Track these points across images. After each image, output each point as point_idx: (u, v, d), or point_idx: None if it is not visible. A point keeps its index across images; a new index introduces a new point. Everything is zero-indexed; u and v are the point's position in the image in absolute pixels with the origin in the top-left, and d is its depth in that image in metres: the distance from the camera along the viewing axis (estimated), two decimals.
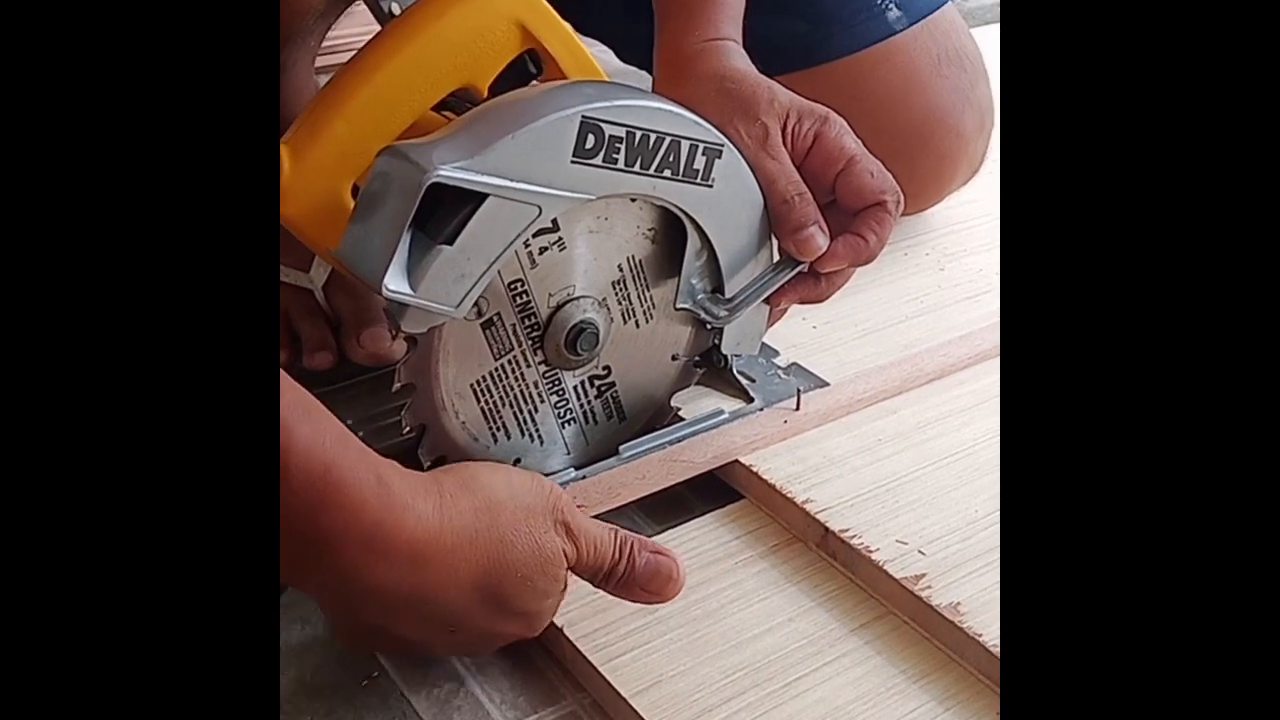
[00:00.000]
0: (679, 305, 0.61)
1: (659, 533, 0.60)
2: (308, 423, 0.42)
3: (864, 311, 0.77)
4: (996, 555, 0.55)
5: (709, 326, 0.63)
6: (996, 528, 0.57)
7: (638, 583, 0.49)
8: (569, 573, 0.49)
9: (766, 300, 0.62)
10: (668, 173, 0.56)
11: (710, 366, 0.66)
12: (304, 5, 0.54)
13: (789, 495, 0.60)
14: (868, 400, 0.68)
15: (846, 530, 0.57)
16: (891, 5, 0.77)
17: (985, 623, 0.51)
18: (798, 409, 0.66)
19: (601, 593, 0.54)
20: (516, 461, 0.61)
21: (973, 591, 0.53)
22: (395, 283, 0.51)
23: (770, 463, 0.62)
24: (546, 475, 0.60)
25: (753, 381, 0.68)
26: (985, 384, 0.70)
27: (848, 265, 0.61)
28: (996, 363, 0.72)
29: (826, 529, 0.57)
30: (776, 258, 0.62)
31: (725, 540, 0.59)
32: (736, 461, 0.63)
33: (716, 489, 0.63)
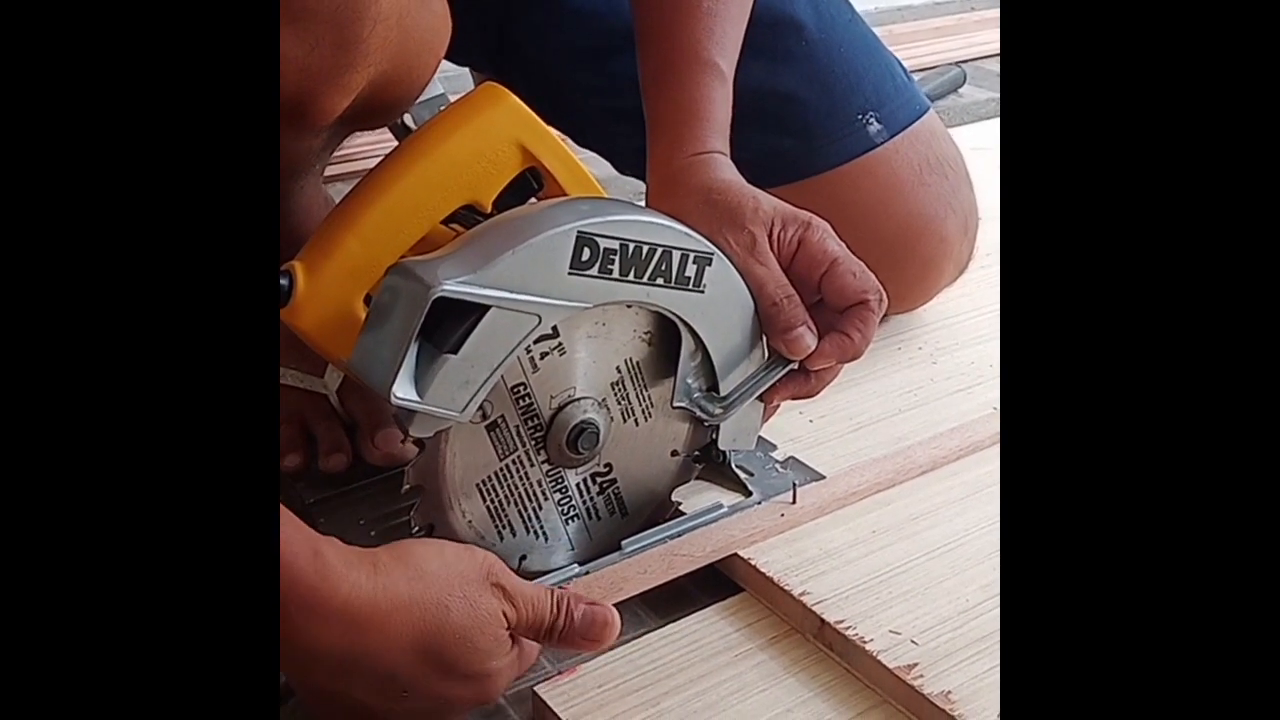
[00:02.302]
0: (676, 404, 0.64)
1: (661, 626, 0.61)
2: None
3: (859, 405, 0.80)
4: (987, 644, 0.56)
5: (706, 423, 0.66)
6: (987, 617, 0.58)
7: (578, 634, 0.53)
8: (511, 634, 0.52)
9: (760, 397, 0.65)
10: (661, 281, 0.59)
11: (709, 461, 0.68)
12: (306, 147, 0.59)
13: (786, 588, 0.61)
14: (862, 493, 0.69)
15: (842, 622, 0.58)
16: (872, 120, 0.80)
17: (975, 710, 0.52)
18: (794, 502, 0.68)
19: (605, 687, 0.56)
20: (522, 559, 0.63)
21: (963, 679, 0.54)
22: (403, 390, 0.54)
23: (768, 556, 0.64)
24: (551, 571, 0.63)
25: (751, 475, 0.70)
26: (977, 475, 0.71)
27: (835, 362, 0.63)
28: (988, 454, 0.74)
29: (823, 621, 0.59)
30: (768, 357, 0.64)
31: (726, 633, 0.61)
32: (736, 555, 0.64)
33: (717, 581, 0.65)
